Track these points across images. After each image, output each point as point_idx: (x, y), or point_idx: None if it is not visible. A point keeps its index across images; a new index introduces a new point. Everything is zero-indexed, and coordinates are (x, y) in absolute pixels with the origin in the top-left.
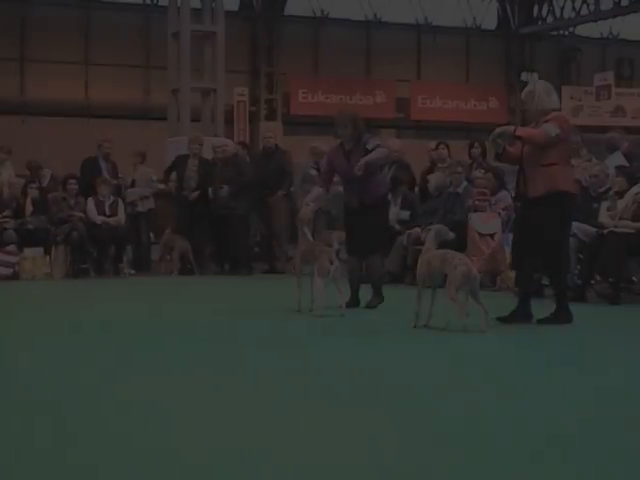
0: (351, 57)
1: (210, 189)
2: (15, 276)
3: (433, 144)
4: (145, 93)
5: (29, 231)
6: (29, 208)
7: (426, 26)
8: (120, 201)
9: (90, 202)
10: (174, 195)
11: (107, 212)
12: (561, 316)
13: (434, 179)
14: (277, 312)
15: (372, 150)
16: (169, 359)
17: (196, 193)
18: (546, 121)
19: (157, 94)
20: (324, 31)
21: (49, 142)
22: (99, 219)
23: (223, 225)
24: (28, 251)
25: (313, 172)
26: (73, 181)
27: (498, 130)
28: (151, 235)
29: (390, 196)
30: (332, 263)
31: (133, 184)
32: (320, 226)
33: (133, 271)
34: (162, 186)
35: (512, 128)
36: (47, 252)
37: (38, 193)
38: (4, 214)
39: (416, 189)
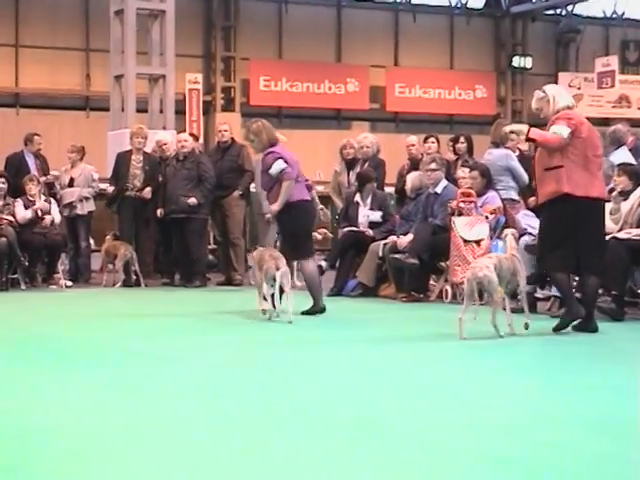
0: (319, 40)
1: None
2: None
3: (413, 139)
4: (84, 80)
5: None
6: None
7: (405, 4)
8: (53, 202)
9: (19, 203)
10: (116, 196)
11: (38, 214)
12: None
13: (410, 179)
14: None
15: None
16: (104, 384)
17: (148, 191)
18: (552, 123)
19: (98, 81)
20: (289, 10)
21: None
22: (28, 215)
23: (177, 230)
24: None
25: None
26: (1, 180)
27: (511, 126)
28: (91, 241)
29: (358, 196)
30: (279, 269)
31: (71, 183)
32: None
33: (70, 282)
34: (104, 186)
35: (526, 129)
36: None
37: None
38: None
39: (387, 189)
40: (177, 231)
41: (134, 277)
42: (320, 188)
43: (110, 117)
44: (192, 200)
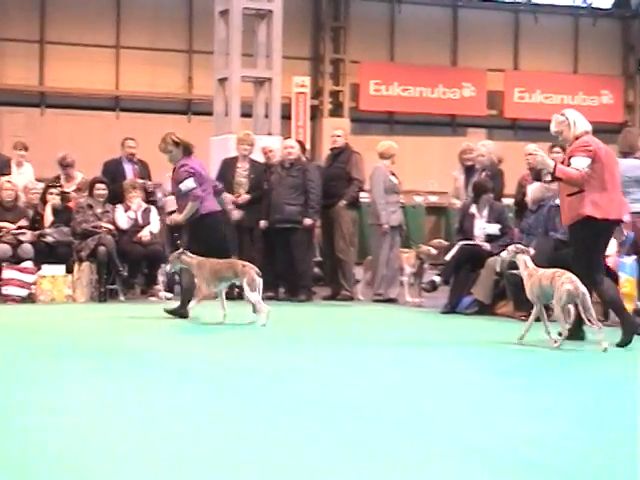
0: (434, 42)
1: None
2: (31, 298)
3: (532, 147)
4: (187, 83)
5: (48, 245)
6: (49, 218)
7: (526, 4)
8: (154, 210)
9: (119, 210)
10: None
11: (139, 222)
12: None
13: (530, 190)
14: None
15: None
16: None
17: (246, 198)
18: (572, 154)
19: (201, 84)
20: (402, 10)
21: (69, 139)
22: (128, 223)
23: (282, 241)
24: (47, 269)
25: (394, 180)
26: (102, 186)
27: (540, 159)
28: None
29: (474, 208)
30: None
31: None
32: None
33: (170, 294)
34: None
35: (552, 166)
36: (69, 270)
37: (60, 200)
38: (19, 224)
39: (506, 200)
40: (282, 242)
41: (236, 290)
42: (433, 199)
43: (213, 122)
44: (307, 221)
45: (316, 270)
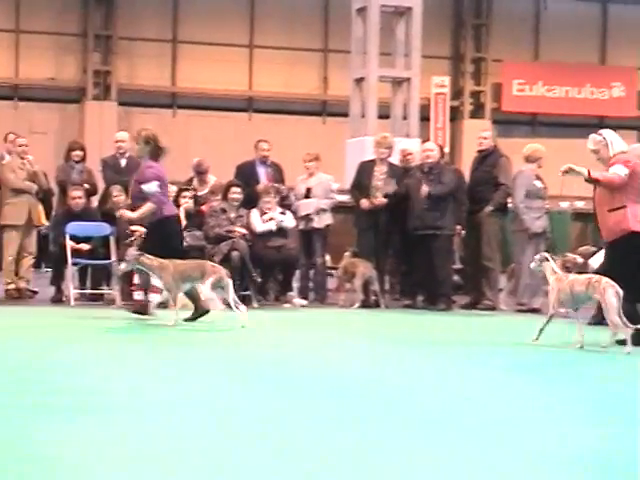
0: (581, 39)
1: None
2: (164, 303)
3: None
4: (322, 83)
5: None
6: (182, 222)
7: None
8: (289, 213)
9: (254, 215)
10: (357, 209)
11: (274, 227)
12: None
13: None
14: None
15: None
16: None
17: (383, 200)
18: (611, 164)
19: (336, 84)
20: (548, 6)
21: (201, 141)
22: (264, 227)
23: (421, 248)
24: None
25: (539, 184)
26: (237, 190)
27: (574, 168)
28: (327, 258)
29: None
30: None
31: (308, 194)
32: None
33: (305, 302)
34: (343, 198)
35: (586, 171)
36: None
37: (193, 203)
38: None
39: None
40: (421, 249)
41: (373, 298)
42: (580, 204)
43: (349, 123)
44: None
45: (455, 278)
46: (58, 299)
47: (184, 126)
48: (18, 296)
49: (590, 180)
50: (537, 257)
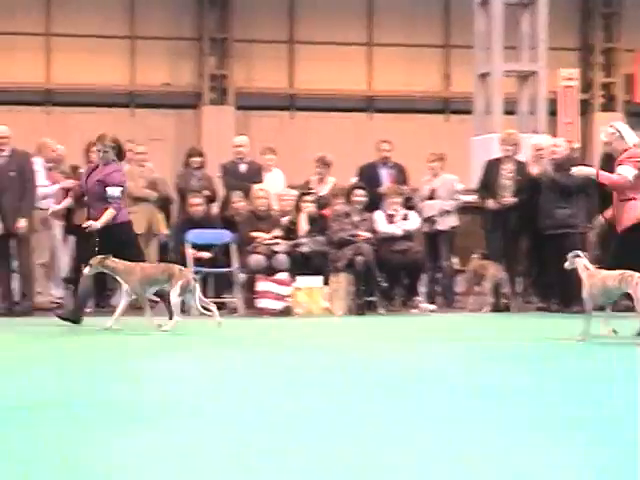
0: None
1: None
2: (287, 311)
3: None
4: (444, 79)
5: (304, 255)
6: (304, 226)
7: None
8: (414, 215)
9: (379, 217)
10: (484, 210)
11: (399, 231)
12: None
13: None
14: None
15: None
16: None
17: (511, 200)
18: (620, 162)
19: (459, 81)
20: None
21: (320, 142)
22: (389, 230)
23: (553, 248)
24: (303, 280)
25: None
26: (361, 192)
27: (578, 169)
28: (454, 260)
29: None
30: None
31: (432, 195)
32: None
33: (433, 306)
34: (469, 198)
35: (594, 172)
36: (326, 281)
37: (316, 207)
38: (273, 234)
39: None
40: (553, 249)
41: (504, 301)
42: None
43: (473, 121)
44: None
45: None
46: (180, 309)
47: (302, 128)
48: (139, 306)
49: (597, 183)
50: (570, 255)
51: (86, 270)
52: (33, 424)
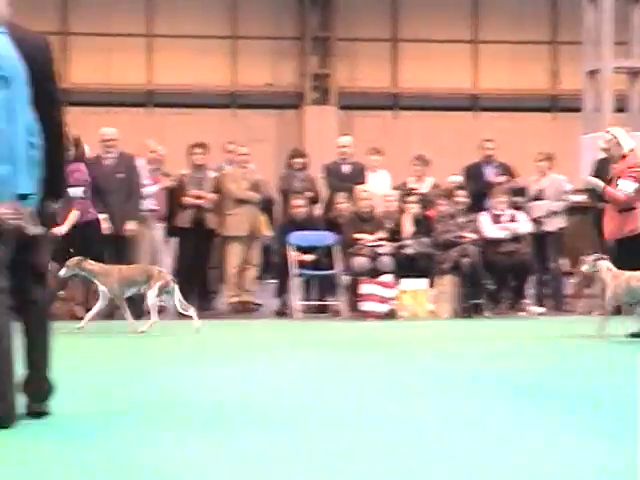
0: None
1: None
2: (391, 314)
3: None
4: (551, 77)
5: (408, 257)
6: (408, 228)
7: None
8: (522, 215)
9: (485, 219)
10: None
11: (507, 231)
12: None
13: None
14: None
15: None
16: None
17: None
18: (621, 175)
19: (567, 77)
20: None
21: (424, 142)
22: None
23: None
24: (407, 283)
25: None
26: (462, 193)
27: (588, 181)
28: (562, 262)
29: None
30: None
31: (539, 196)
32: None
33: (541, 309)
34: (578, 198)
35: (602, 187)
36: (431, 284)
37: (420, 208)
38: (377, 236)
39: None
40: None
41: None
42: None
43: (582, 119)
44: None
45: None
46: (282, 311)
47: (405, 127)
48: (242, 309)
49: (601, 196)
50: (590, 258)
51: (61, 272)
52: (129, 426)
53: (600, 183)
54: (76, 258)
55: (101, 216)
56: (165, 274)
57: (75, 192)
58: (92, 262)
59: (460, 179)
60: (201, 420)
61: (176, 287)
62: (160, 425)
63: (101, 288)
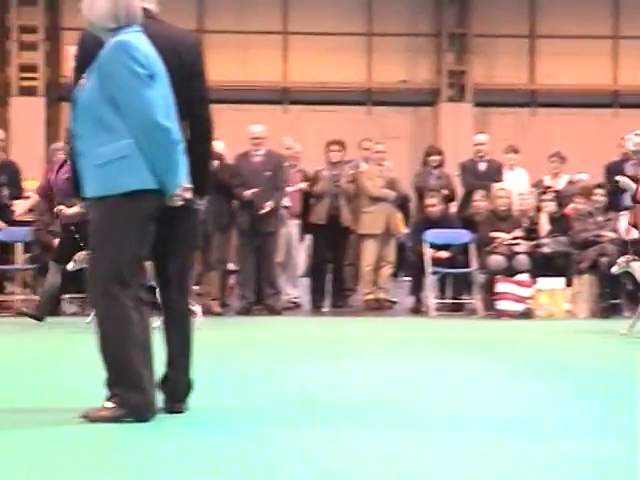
0: None
1: None
2: (527, 314)
3: None
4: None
5: (545, 256)
6: (545, 226)
7: None
8: None
9: (623, 219)
10: None
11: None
12: None
13: None
14: None
15: None
16: None
17: None
18: None
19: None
20: None
21: (563, 140)
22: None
23: None
24: (544, 282)
25: None
26: (600, 191)
27: (623, 183)
28: None
29: None
30: None
31: None
32: None
33: None
34: None
35: (634, 189)
36: (568, 283)
37: (557, 206)
38: (514, 235)
39: None
40: None
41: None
42: None
43: None
44: None
45: None
46: (417, 309)
47: (544, 125)
48: (377, 306)
49: (634, 198)
50: (621, 260)
51: (69, 266)
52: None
53: (632, 184)
54: (84, 252)
55: None
56: None
57: None
58: None
59: (586, 177)
60: (340, 417)
61: None
62: (302, 422)
63: None
